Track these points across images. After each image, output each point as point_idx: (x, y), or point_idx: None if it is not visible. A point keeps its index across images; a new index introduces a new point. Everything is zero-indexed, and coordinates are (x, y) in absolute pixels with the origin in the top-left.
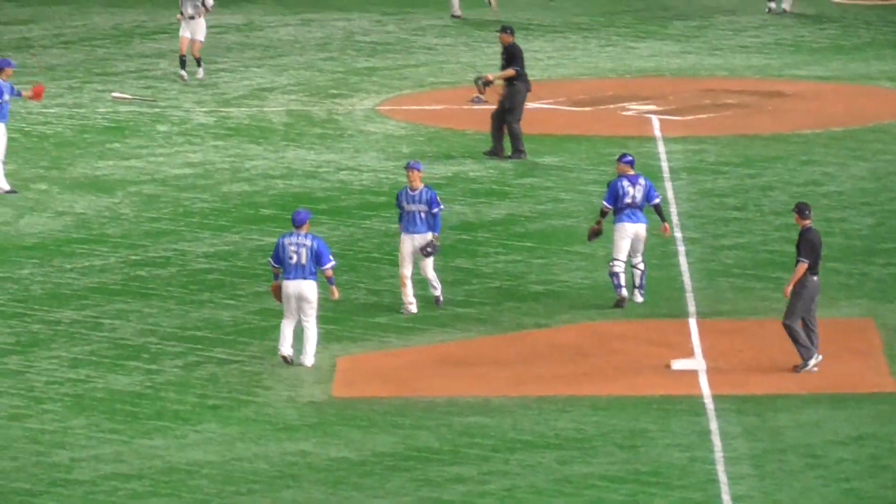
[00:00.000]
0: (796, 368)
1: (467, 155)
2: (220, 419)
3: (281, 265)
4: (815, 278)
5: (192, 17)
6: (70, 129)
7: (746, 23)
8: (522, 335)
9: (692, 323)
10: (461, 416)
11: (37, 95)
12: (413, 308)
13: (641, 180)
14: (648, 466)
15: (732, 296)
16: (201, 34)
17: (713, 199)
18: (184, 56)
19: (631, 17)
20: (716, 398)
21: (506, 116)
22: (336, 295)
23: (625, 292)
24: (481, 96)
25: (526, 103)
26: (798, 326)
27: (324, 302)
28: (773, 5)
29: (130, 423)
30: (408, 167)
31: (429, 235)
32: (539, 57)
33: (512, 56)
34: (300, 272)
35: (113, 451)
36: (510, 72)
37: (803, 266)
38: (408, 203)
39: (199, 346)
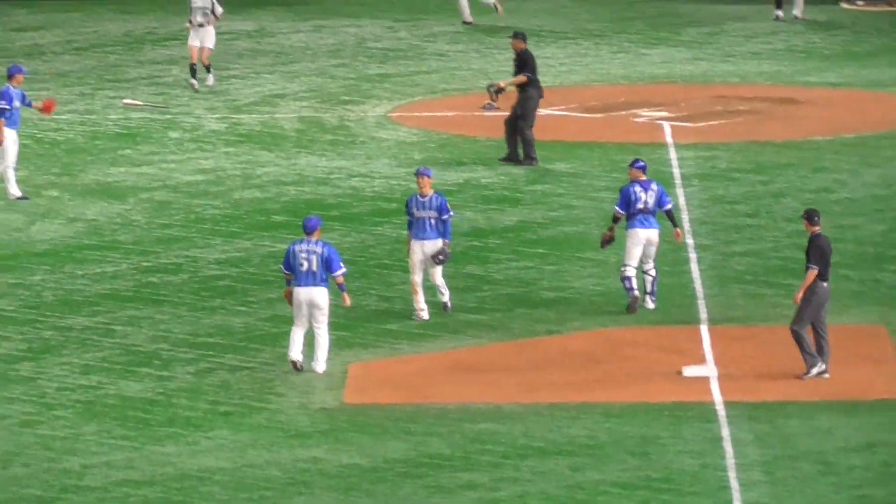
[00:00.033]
0: (800, 376)
1: (479, 161)
2: (231, 426)
3: (292, 272)
4: (825, 284)
5: (201, 25)
6: (82, 136)
7: (758, 29)
8: (534, 342)
9: (703, 329)
10: (473, 423)
11: (47, 109)
12: (424, 315)
13: (653, 186)
14: (660, 473)
15: (744, 302)
16: (210, 42)
17: (725, 205)
18: (194, 65)
19: (643, 23)
20: (727, 405)
21: (518, 123)
22: (347, 302)
23: (637, 294)
24: (493, 103)
25: (538, 110)
26: (806, 333)
27: (335, 308)
28: (780, 13)
29: (142, 430)
30: (418, 173)
31: (439, 242)
32: (551, 63)
33: (523, 62)
34: (311, 279)
35: (124, 457)
36: (521, 78)
37: (813, 273)
38: (418, 209)
39: (211, 353)
